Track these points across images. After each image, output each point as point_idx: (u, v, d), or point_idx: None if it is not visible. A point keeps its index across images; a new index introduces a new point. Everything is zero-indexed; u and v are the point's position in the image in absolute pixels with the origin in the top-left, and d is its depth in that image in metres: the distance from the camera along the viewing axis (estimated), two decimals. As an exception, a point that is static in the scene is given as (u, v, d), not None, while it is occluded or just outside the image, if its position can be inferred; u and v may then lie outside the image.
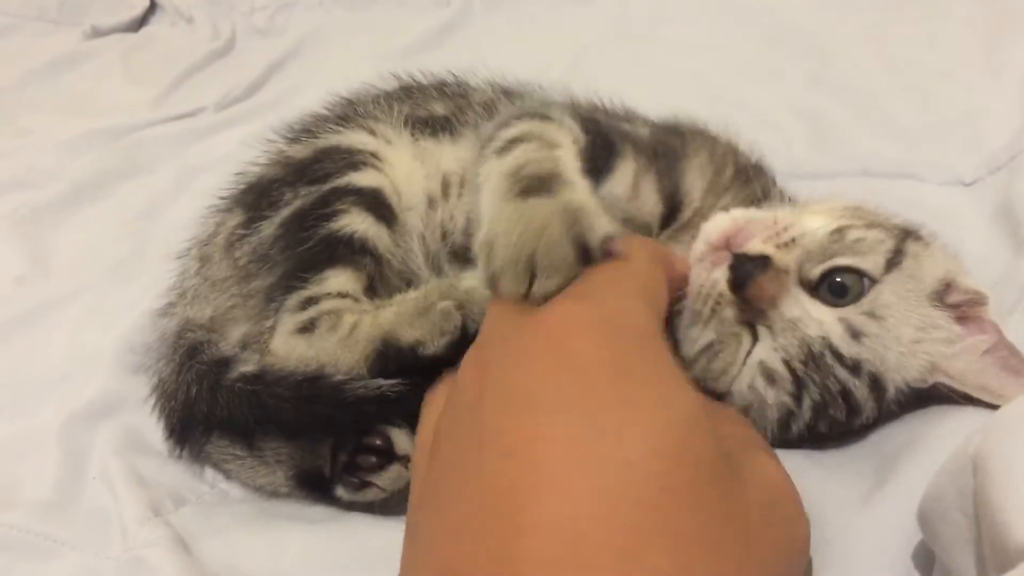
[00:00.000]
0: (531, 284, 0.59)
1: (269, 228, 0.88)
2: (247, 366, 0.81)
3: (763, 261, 0.71)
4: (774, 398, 0.72)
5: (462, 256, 0.92)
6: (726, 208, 0.81)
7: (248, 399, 0.78)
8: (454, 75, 1.14)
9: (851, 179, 1.13)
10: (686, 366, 0.74)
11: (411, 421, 0.75)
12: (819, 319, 0.71)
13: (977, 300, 0.75)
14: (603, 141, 0.83)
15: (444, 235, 0.94)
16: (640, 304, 0.60)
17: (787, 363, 0.71)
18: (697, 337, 0.75)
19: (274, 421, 0.77)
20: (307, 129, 1.03)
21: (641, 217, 0.84)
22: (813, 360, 0.70)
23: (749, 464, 0.57)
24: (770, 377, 0.71)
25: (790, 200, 0.89)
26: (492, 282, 0.62)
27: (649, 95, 1.38)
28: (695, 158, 0.87)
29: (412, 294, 0.80)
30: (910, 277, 0.74)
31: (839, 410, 0.72)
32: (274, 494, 0.84)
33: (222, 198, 1.03)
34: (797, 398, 0.71)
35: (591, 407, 0.51)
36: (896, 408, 0.75)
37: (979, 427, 0.57)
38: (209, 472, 0.91)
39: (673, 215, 0.86)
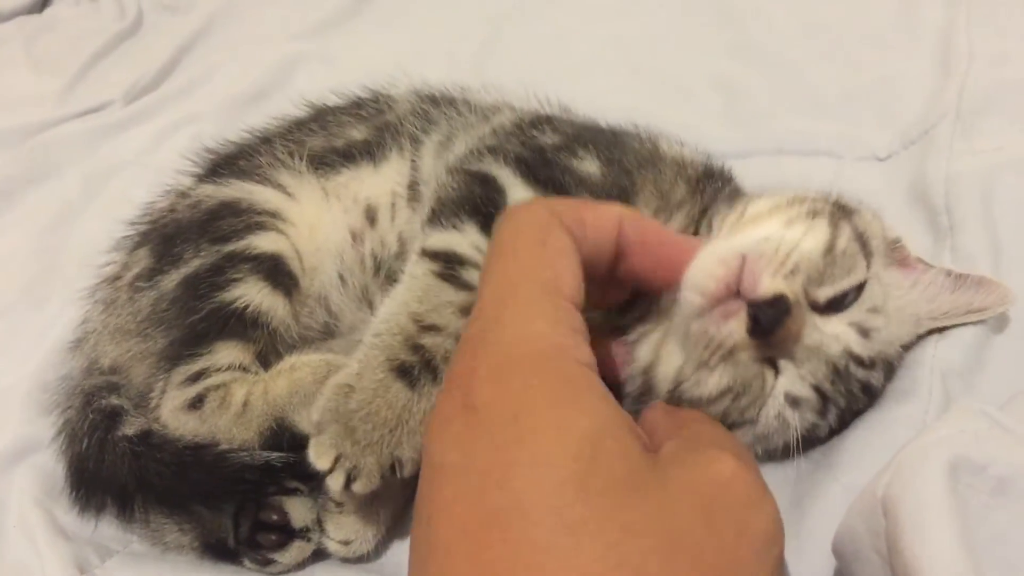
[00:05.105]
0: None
1: (169, 285, 0.86)
2: (132, 428, 0.80)
3: (783, 303, 0.67)
4: (800, 420, 0.71)
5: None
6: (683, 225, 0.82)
7: (130, 460, 0.77)
8: (371, 90, 1.11)
9: (767, 158, 1.11)
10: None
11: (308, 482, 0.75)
12: (835, 334, 0.70)
13: (898, 244, 0.80)
14: (557, 194, 0.81)
15: (377, 265, 0.92)
16: (542, 312, 0.58)
17: (815, 387, 0.70)
18: (706, 380, 0.71)
19: (153, 489, 0.76)
20: (217, 167, 1.01)
21: None
22: (838, 375, 0.70)
23: (691, 463, 0.56)
24: (796, 403, 0.70)
25: (738, 194, 0.88)
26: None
27: (568, 68, 1.36)
28: (643, 192, 0.85)
29: (303, 360, 0.79)
30: (877, 256, 0.75)
31: (861, 403, 0.74)
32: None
33: (132, 226, 1.01)
34: (823, 413, 0.72)
35: (485, 459, 0.52)
36: None
37: (885, 466, 0.57)
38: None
39: None
